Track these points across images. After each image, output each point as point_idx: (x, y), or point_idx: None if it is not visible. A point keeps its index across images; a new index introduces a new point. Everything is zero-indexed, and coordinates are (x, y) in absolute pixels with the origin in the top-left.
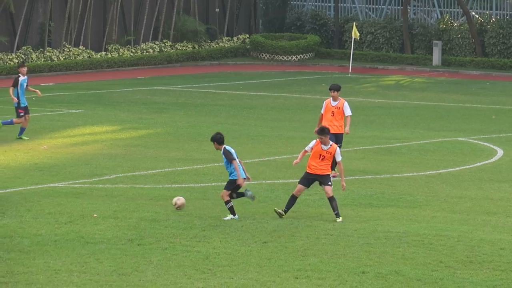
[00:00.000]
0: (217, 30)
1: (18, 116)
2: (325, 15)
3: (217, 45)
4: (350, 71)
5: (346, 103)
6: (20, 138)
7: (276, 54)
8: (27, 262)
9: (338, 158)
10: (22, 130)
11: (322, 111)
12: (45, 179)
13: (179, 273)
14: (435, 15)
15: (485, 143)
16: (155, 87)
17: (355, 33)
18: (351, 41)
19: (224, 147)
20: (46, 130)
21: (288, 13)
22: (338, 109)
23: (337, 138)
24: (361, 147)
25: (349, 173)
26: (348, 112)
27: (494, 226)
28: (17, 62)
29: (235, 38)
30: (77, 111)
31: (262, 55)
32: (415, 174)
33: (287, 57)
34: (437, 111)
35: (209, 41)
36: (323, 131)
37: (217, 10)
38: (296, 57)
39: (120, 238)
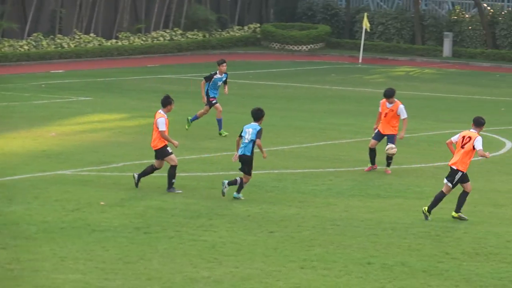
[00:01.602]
0: (228, 19)
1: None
2: (336, 5)
3: (227, 34)
4: (360, 61)
5: (401, 106)
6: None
7: (287, 43)
8: (34, 249)
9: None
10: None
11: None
12: (53, 166)
13: (185, 262)
14: (447, 6)
15: (494, 135)
16: (165, 76)
17: (366, 24)
18: (362, 32)
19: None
20: (54, 117)
21: (299, 2)
22: (392, 111)
23: (389, 139)
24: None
25: (357, 163)
26: (403, 115)
27: (501, 218)
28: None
29: (246, 27)
30: (87, 98)
31: (273, 44)
32: (423, 165)
33: (298, 47)
34: (446, 102)
35: (220, 30)
36: None
37: None
38: (307, 47)
39: (127, 226)
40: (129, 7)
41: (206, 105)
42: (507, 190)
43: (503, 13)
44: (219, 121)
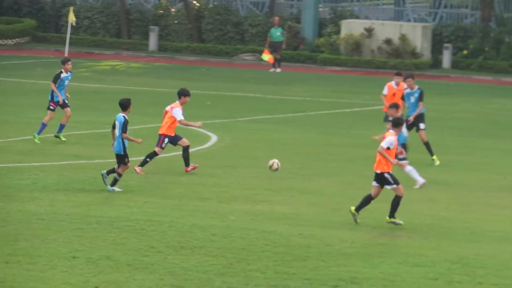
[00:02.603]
0: None
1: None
2: None
3: None
4: (66, 55)
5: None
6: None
7: None
8: None
9: None
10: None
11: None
12: None
13: None
14: (153, 0)
15: (199, 129)
16: None
17: (71, 18)
18: (68, 26)
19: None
20: None
21: None
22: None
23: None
24: (75, 132)
25: (62, 158)
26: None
27: (206, 211)
28: None
29: None
30: None
31: None
32: (132, 159)
33: (3, 41)
34: (152, 96)
35: None
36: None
37: None
38: (12, 41)
39: None
40: None
41: (48, 109)
42: (212, 183)
43: (208, 7)
44: (62, 126)
